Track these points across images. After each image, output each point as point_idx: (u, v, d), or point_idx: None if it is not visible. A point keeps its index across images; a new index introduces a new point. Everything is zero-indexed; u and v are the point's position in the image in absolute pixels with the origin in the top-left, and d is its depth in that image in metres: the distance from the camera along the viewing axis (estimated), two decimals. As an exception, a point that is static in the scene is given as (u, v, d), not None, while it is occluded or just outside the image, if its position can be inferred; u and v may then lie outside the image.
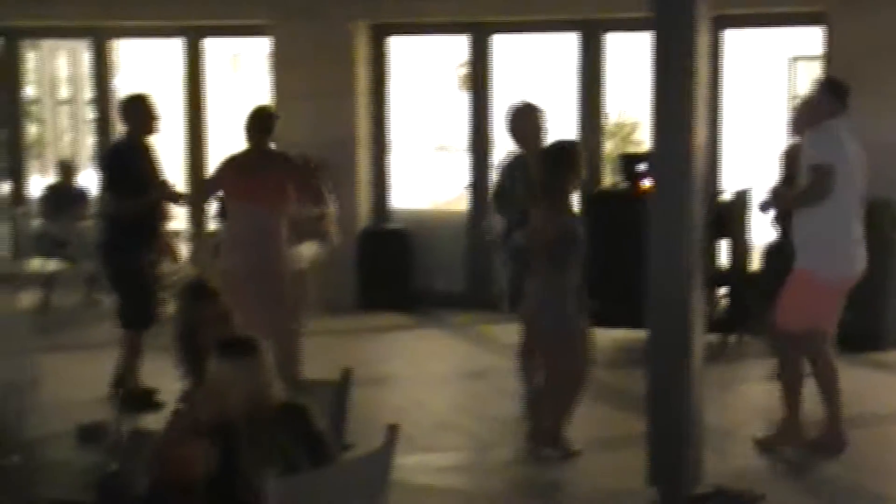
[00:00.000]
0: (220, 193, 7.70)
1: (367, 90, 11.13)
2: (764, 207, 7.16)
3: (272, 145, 7.39)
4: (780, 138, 8.57)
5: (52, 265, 11.05)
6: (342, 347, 8.85)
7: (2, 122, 12.95)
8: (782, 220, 7.63)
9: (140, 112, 7.77)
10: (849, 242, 6.57)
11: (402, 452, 4.17)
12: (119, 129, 8.38)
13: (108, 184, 7.92)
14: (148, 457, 4.17)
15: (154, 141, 7.94)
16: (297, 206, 7.21)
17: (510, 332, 7.47)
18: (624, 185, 9.50)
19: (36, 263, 11.16)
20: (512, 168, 7.36)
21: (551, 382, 6.75)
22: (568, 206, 6.64)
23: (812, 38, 10.41)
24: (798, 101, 7.53)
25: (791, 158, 7.44)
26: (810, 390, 6.79)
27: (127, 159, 7.71)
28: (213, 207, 7.47)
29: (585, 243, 6.60)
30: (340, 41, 10.92)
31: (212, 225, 7.70)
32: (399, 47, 11.56)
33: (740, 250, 9.41)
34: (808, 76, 16.32)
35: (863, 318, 8.47)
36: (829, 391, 6.66)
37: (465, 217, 11.22)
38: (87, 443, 4.63)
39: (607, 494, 6.19)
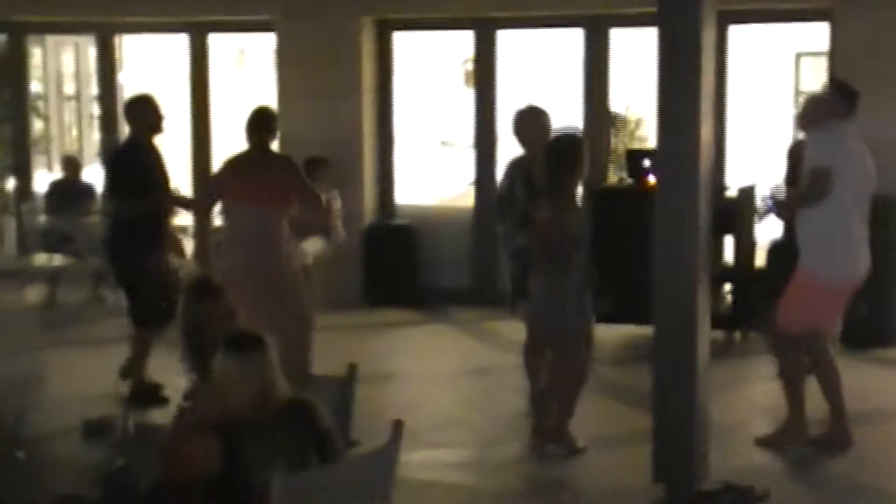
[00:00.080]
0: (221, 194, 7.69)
1: (373, 86, 11.13)
2: (762, 214, 7.18)
3: (274, 145, 7.40)
4: (785, 134, 8.57)
5: (58, 261, 11.07)
6: (347, 344, 8.85)
7: (7, 118, 12.97)
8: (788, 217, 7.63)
9: (145, 112, 7.76)
10: (850, 244, 6.55)
11: (407, 449, 4.17)
12: (124, 126, 8.37)
13: (113, 185, 7.91)
14: (154, 453, 4.17)
15: (159, 139, 7.93)
16: (297, 207, 7.21)
17: (516, 329, 7.47)
18: (629, 181, 9.50)
19: (41, 259, 11.18)
20: (513, 171, 7.37)
21: (554, 380, 6.76)
22: (572, 203, 6.63)
23: (817, 35, 10.40)
24: (805, 98, 7.53)
25: (796, 156, 7.44)
26: (814, 388, 6.79)
27: (132, 160, 7.70)
28: (216, 207, 7.46)
29: (587, 242, 6.60)
30: (345, 37, 10.91)
31: (216, 222, 7.69)
32: (404, 43, 11.56)
33: (745, 247, 9.40)
34: (814, 72, 16.34)
35: (868, 315, 8.50)
36: (832, 391, 6.66)
37: (471, 213, 11.22)
38: (93, 438, 4.64)
39: (613, 491, 6.18)
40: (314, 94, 10.89)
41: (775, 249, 8.99)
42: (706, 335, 5.86)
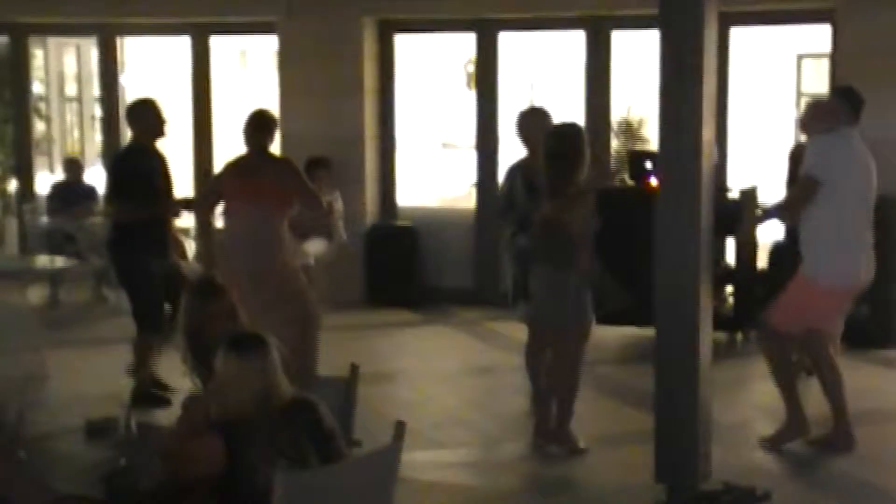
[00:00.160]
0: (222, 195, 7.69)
1: (374, 87, 11.14)
2: (760, 219, 7.18)
3: (275, 146, 7.41)
4: (787, 136, 8.57)
5: (60, 261, 11.07)
6: (349, 344, 8.85)
7: (9, 119, 12.98)
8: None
9: (147, 116, 7.76)
10: (850, 250, 6.54)
11: (408, 449, 4.17)
12: (125, 128, 8.37)
13: (115, 189, 7.91)
14: (157, 452, 4.18)
15: (162, 142, 7.94)
16: (297, 208, 7.22)
17: (517, 329, 7.48)
18: (631, 182, 9.50)
19: (44, 260, 11.18)
20: (513, 173, 7.39)
21: (553, 379, 6.77)
22: (574, 203, 6.56)
23: (819, 36, 10.40)
24: (809, 102, 7.53)
25: (797, 159, 7.43)
26: (816, 389, 6.79)
27: (134, 164, 7.69)
28: (218, 208, 7.47)
29: (591, 241, 6.60)
30: (347, 38, 10.92)
31: (218, 223, 7.69)
32: (406, 44, 11.57)
33: (747, 248, 9.40)
34: (815, 74, 16.34)
35: (869, 316, 8.51)
36: (834, 393, 6.66)
37: (472, 214, 11.23)
38: (96, 438, 4.64)
39: (615, 490, 6.19)
40: (316, 95, 10.90)
41: (777, 251, 8.99)
42: (708, 336, 5.86)
